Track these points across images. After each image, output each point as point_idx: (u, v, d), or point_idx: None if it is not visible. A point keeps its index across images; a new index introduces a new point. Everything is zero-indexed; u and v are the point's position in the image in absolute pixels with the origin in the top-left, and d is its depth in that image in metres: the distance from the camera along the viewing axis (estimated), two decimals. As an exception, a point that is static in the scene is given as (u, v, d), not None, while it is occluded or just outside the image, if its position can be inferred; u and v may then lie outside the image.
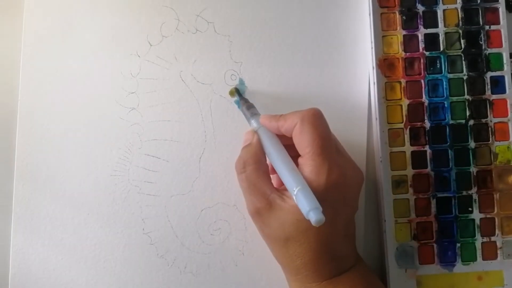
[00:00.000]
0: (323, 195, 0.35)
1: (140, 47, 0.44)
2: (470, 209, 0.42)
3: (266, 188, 0.37)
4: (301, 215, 0.35)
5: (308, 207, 0.33)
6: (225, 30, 0.45)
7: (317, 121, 0.37)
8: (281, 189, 0.37)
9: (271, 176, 0.40)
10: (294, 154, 0.38)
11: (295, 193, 0.35)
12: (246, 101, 0.43)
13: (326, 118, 0.38)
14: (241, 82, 0.44)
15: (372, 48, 0.43)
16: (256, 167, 0.38)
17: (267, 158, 0.39)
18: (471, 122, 0.43)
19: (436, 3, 0.43)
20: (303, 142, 0.36)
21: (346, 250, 0.38)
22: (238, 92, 0.44)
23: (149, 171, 0.44)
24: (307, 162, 0.36)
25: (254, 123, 0.41)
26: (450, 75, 0.43)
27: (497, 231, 0.42)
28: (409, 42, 0.43)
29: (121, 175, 0.43)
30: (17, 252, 0.43)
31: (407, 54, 0.43)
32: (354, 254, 0.39)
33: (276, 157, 0.37)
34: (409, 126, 0.43)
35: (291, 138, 0.38)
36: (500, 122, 0.43)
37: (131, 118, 0.44)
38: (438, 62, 0.43)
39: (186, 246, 0.43)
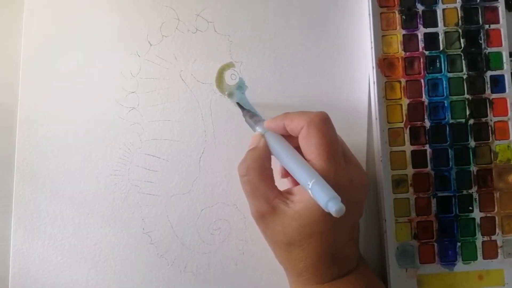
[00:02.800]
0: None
1: (140, 47, 0.44)
2: (470, 208, 0.42)
3: (269, 193, 0.37)
4: (304, 221, 0.35)
5: (326, 198, 0.33)
6: (225, 30, 0.45)
7: (324, 126, 0.36)
8: (285, 194, 0.37)
9: (285, 179, 0.40)
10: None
11: (310, 186, 0.34)
12: (248, 111, 0.43)
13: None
14: (241, 82, 0.44)
15: (372, 47, 0.43)
16: (259, 171, 0.37)
17: (273, 162, 0.39)
18: (471, 121, 0.43)
19: (436, 3, 0.44)
20: (310, 147, 0.36)
21: (348, 253, 0.38)
22: (239, 106, 0.44)
23: (149, 171, 0.44)
24: (313, 167, 0.36)
25: (259, 129, 0.40)
26: (450, 74, 0.43)
27: (497, 230, 0.42)
28: (408, 41, 0.43)
29: (121, 175, 0.43)
30: (17, 252, 0.43)
31: (407, 53, 0.43)
32: (357, 256, 0.39)
33: (286, 156, 0.37)
34: (409, 126, 0.43)
35: (297, 141, 0.38)
36: (500, 121, 0.43)
37: (131, 118, 0.44)
38: (438, 61, 0.43)
39: (186, 245, 0.43)
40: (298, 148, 0.38)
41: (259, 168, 0.38)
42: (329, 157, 0.36)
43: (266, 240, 0.39)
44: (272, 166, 0.39)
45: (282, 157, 0.37)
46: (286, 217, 0.36)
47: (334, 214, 0.32)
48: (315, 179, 0.34)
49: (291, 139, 0.38)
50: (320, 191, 0.33)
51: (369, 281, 0.39)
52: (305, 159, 0.37)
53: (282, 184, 0.39)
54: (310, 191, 0.34)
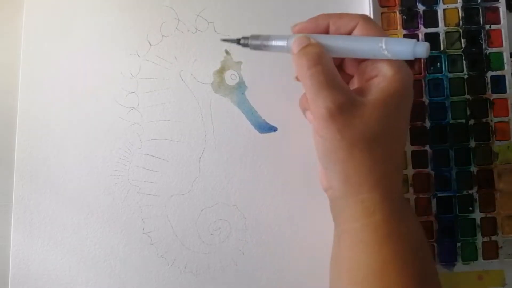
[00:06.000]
0: (404, 92, 0.34)
1: (140, 47, 0.44)
2: (470, 208, 0.42)
3: (345, 83, 0.34)
4: (389, 110, 0.33)
5: (410, 44, 0.32)
6: (225, 30, 0.45)
7: (377, 25, 0.36)
8: (356, 90, 0.35)
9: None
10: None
11: (384, 46, 0.33)
12: (246, 37, 0.38)
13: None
14: (241, 82, 0.44)
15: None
16: (331, 61, 0.34)
17: None
18: (472, 122, 0.43)
19: (437, 3, 0.43)
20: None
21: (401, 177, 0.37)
22: (228, 40, 0.39)
23: (149, 171, 0.44)
24: (383, 59, 0.34)
25: (280, 42, 0.36)
26: (451, 75, 0.43)
27: (497, 231, 0.42)
28: (409, 41, 0.43)
29: (121, 175, 0.43)
30: (17, 252, 0.43)
31: (408, 53, 0.43)
32: None
33: (341, 39, 0.35)
34: (409, 126, 0.43)
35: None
36: (500, 121, 0.43)
37: (131, 118, 0.44)
38: (438, 61, 0.43)
39: (186, 246, 0.43)
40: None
41: (329, 57, 0.34)
42: None
43: (337, 146, 0.34)
44: None
45: (342, 44, 0.35)
46: (366, 107, 0.33)
47: (424, 54, 0.32)
48: (385, 38, 0.33)
49: None
50: (398, 44, 0.33)
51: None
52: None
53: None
54: (386, 52, 0.33)
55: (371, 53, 0.34)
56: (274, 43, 0.37)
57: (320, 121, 0.34)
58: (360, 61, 0.36)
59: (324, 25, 0.36)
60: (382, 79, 0.34)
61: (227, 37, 0.39)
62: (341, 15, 0.36)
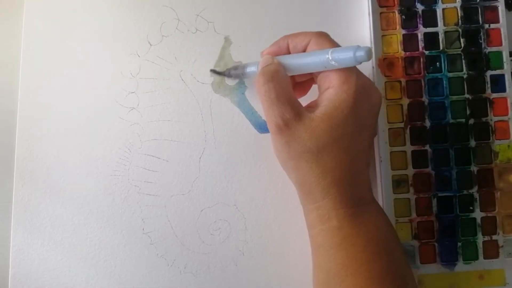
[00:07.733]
0: (352, 102, 0.35)
1: (140, 47, 0.44)
2: (471, 208, 0.42)
3: (295, 100, 0.36)
4: (334, 121, 0.35)
5: (351, 51, 0.33)
6: (225, 30, 0.45)
7: (331, 38, 0.37)
8: (307, 106, 0.37)
9: None
10: None
11: (330, 57, 0.34)
12: (230, 68, 0.43)
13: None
14: (241, 82, 0.44)
15: (371, 47, 0.43)
16: (285, 78, 0.37)
17: None
18: (472, 121, 0.43)
19: (436, 2, 0.44)
20: None
21: (367, 180, 0.37)
22: (216, 72, 0.44)
23: (149, 171, 0.44)
24: (334, 71, 0.36)
25: (252, 67, 0.41)
26: (450, 74, 0.43)
27: (498, 230, 0.42)
28: (408, 41, 0.43)
29: (121, 175, 0.43)
30: (17, 252, 0.42)
31: (407, 53, 0.43)
32: (371, 190, 0.38)
33: (296, 57, 0.37)
34: (409, 126, 0.43)
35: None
36: (500, 120, 0.43)
37: (131, 118, 0.44)
38: (438, 61, 0.43)
39: (186, 246, 0.43)
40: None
41: (285, 76, 0.37)
42: None
43: (286, 157, 0.37)
44: None
45: (295, 61, 0.37)
46: (313, 121, 0.35)
47: (365, 58, 0.33)
48: (331, 49, 0.35)
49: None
50: (341, 52, 0.34)
51: (387, 219, 0.37)
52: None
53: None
54: (333, 62, 0.34)
55: (321, 65, 0.36)
56: (248, 69, 0.41)
57: (272, 134, 0.37)
58: (317, 75, 0.38)
59: (285, 45, 0.39)
60: (332, 91, 0.36)
61: (215, 69, 0.44)
62: (296, 34, 0.38)
